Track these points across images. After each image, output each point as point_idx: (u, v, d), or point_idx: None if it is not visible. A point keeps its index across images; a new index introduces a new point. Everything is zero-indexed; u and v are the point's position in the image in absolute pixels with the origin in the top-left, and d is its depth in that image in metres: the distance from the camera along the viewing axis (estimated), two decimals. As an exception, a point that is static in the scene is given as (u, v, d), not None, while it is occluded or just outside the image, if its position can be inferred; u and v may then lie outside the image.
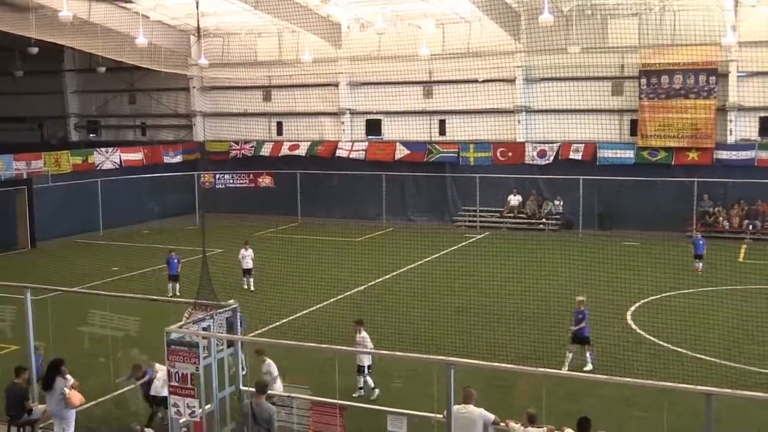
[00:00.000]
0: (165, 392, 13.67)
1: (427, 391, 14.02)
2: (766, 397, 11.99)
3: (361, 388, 16.80)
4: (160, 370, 14.41)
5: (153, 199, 43.10)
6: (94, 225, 39.44)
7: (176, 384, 12.80)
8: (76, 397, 13.68)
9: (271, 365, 15.21)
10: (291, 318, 22.59)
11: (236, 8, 38.50)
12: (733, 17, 34.84)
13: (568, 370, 17.58)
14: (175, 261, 26.62)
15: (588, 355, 18.41)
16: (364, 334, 17.01)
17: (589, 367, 18.14)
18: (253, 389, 12.83)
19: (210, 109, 48.21)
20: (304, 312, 23.45)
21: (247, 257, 27.06)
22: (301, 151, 44.89)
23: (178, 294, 25.65)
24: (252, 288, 26.51)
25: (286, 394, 13.10)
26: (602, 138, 38.85)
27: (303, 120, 45.47)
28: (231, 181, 44.86)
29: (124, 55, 40.62)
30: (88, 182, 39.71)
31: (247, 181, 44.82)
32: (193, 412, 12.72)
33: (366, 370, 16.77)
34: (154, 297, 19.77)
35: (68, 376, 13.82)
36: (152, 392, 14.97)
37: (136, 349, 17.02)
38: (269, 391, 13.26)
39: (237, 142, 46.45)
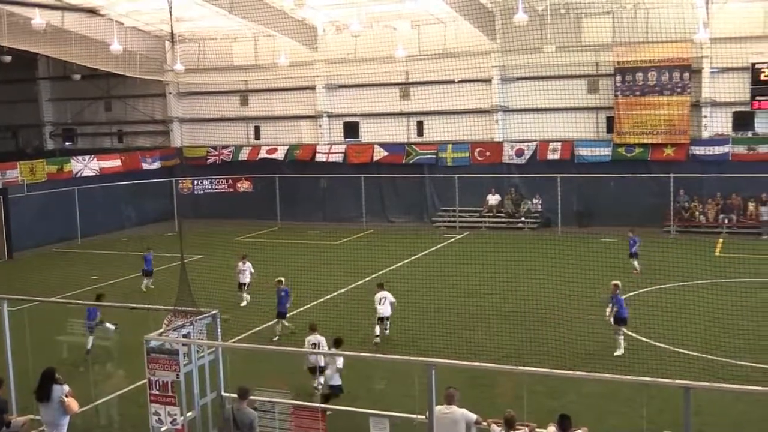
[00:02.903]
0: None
1: (408, 392, 14.05)
2: (744, 389, 12.14)
3: (317, 387, 16.79)
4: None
5: (131, 206, 42.92)
6: (72, 233, 39.17)
7: (157, 392, 12.75)
8: (74, 404, 13.56)
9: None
10: (272, 322, 22.53)
11: (211, 13, 38.40)
12: (705, 14, 35.14)
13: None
14: (150, 258, 28.08)
15: (622, 338, 19.26)
16: (318, 338, 16.94)
17: (621, 351, 19.03)
18: (235, 395, 12.80)
19: (187, 114, 48.07)
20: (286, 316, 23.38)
21: (246, 271, 25.77)
22: (280, 155, 44.83)
23: (151, 287, 27.20)
24: (243, 304, 25.29)
25: (267, 399, 13.05)
26: (579, 136, 39.15)
27: (280, 124, 45.41)
28: (209, 187, 44.75)
29: (99, 62, 40.42)
30: (65, 191, 39.43)
31: (226, 186, 44.73)
32: (175, 420, 12.68)
33: (318, 372, 16.57)
34: (134, 305, 19.66)
35: (64, 384, 13.70)
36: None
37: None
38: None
39: (215, 147, 46.32)
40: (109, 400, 16.35)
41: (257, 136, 46.63)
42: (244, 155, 45.64)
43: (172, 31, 39.93)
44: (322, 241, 36.57)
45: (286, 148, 44.81)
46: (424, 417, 11.73)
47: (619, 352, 19.15)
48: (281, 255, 30.83)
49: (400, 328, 21.36)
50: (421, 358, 12.22)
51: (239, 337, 20.51)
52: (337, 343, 16.00)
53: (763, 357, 17.69)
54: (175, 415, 12.68)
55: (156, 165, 45.60)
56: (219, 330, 14.11)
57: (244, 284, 25.72)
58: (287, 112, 45.17)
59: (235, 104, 46.73)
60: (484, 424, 11.69)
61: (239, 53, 45.34)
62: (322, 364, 16.24)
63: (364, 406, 13.67)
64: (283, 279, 22.35)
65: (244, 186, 44.58)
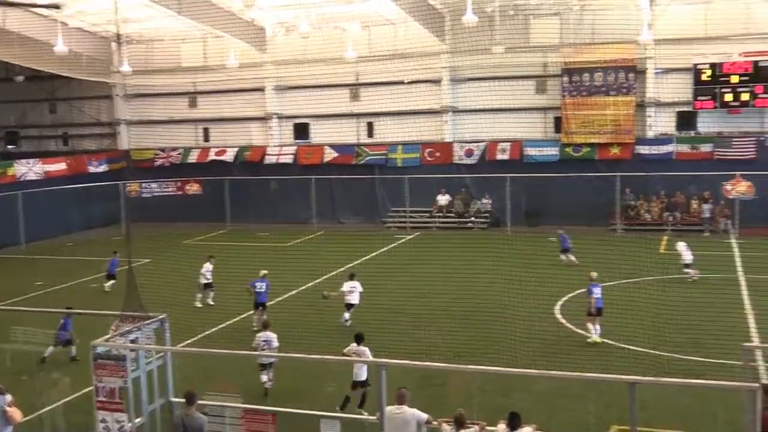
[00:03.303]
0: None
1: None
2: (687, 383, 12.39)
3: (265, 384, 17.10)
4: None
5: (78, 210, 42.18)
6: (16, 238, 38.37)
7: (104, 399, 12.57)
8: (17, 414, 13.29)
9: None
10: (222, 326, 22.36)
11: (159, 14, 37.98)
12: (649, 15, 35.85)
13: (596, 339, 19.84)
14: (115, 262, 28.16)
15: (598, 326, 20.06)
16: (270, 335, 17.36)
17: (594, 338, 19.94)
18: (183, 400, 12.67)
19: (134, 116, 47.47)
20: (236, 319, 23.25)
21: (207, 273, 26.01)
22: (229, 156, 44.54)
23: (107, 289, 27.35)
24: (199, 304, 25.49)
25: (218, 403, 12.93)
26: (527, 136, 39.61)
27: (230, 125, 45.11)
28: (158, 190, 44.24)
29: (43, 64, 39.63)
30: (9, 195, 38.59)
31: (175, 189, 44.27)
32: (122, 426, 12.52)
33: (268, 367, 17.08)
34: (80, 311, 19.36)
35: (6, 394, 13.42)
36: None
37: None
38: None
39: (163, 150, 45.84)
40: (54, 409, 16.03)
41: (206, 138, 46.24)
42: (193, 157, 45.23)
43: (118, 32, 39.42)
44: (273, 242, 36.37)
45: (236, 149, 44.54)
46: (375, 417, 11.76)
47: (593, 339, 20.05)
48: (231, 257, 30.57)
49: (350, 330, 21.32)
50: (372, 359, 12.24)
51: (189, 341, 20.28)
52: (358, 338, 15.99)
53: (706, 351, 18.05)
54: (123, 421, 12.52)
55: (103, 168, 44.91)
56: (168, 334, 13.96)
57: (208, 284, 25.94)
58: (237, 114, 44.89)
59: (183, 106, 46.30)
60: (435, 423, 11.75)
61: (188, 54, 44.92)
62: (271, 360, 16.79)
63: (315, 408, 13.62)
64: (266, 271, 23.03)
65: (193, 188, 44.14)
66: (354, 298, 22.65)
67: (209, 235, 39.59)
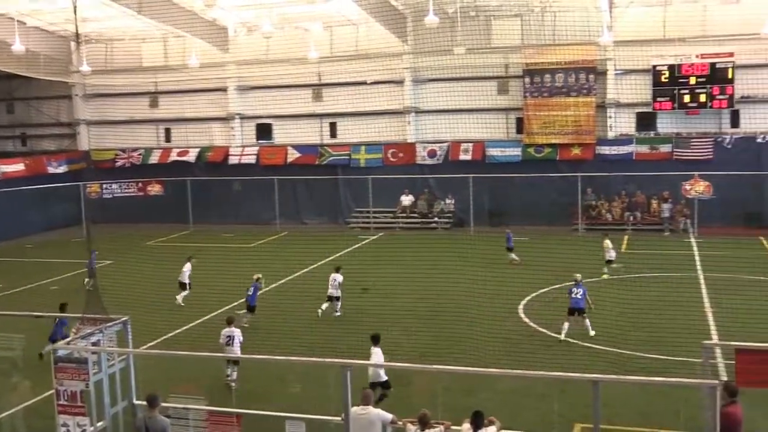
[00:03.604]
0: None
1: (324, 394, 14.03)
2: (648, 380, 12.53)
3: (228, 377, 17.21)
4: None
5: (36, 212, 41.53)
6: (-27, 241, 37.73)
7: (65, 402, 12.40)
8: None
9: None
10: (185, 328, 22.18)
11: (119, 13, 37.53)
12: (609, 17, 36.27)
13: (564, 338, 20.02)
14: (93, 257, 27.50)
15: (587, 322, 20.39)
16: (234, 330, 17.71)
17: (592, 333, 20.22)
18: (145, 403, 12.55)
19: (94, 116, 46.89)
20: (198, 321, 23.07)
21: (186, 273, 26.05)
22: (191, 157, 44.20)
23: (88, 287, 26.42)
24: (181, 302, 25.45)
25: (182, 405, 12.82)
26: (490, 136, 39.84)
27: (192, 126, 44.78)
28: (119, 191, 43.73)
29: (0, 63, 38.96)
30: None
31: (136, 190, 43.80)
32: (84, 430, 12.36)
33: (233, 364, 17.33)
34: (40, 314, 19.09)
35: None
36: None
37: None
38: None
39: (124, 150, 45.36)
40: (13, 413, 15.78)
41: (168, 139, 45.83)
42: (154, 158, 44.81)
43: (77, 31, 38.80)
44: (236, 243, 36.17)
45: (198, 150, 44.20)
46: (340, 418, 11.76)
47: (561, 337, 20.24)
48: (195, 258, 30.35)
49: (315, 330, 21.29)
50: (336, 360, 12.23)
51: (152, 343, 20.09)
52: (375, 339, 16.07)
53: (666, 349, 18.29)
54: (85, 425, 12.37)
55: (62, 169, 44.29)
56: (130, 337, 13.81)
57: (185, 284, 25.88)
58: (198, 114, 44.57)
59: (144, 106, 45.86)
60: (400, 423, 11.78)
61: (148, 54, 44.51)
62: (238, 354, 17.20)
63: (280, 410, 13.57)
64: (260, 275, 23.41)
65: (154, 189, 43.72)
66: (333, 291, 23.56)
67: (172, 236, 39.24)
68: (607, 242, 27.93)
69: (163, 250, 33.37)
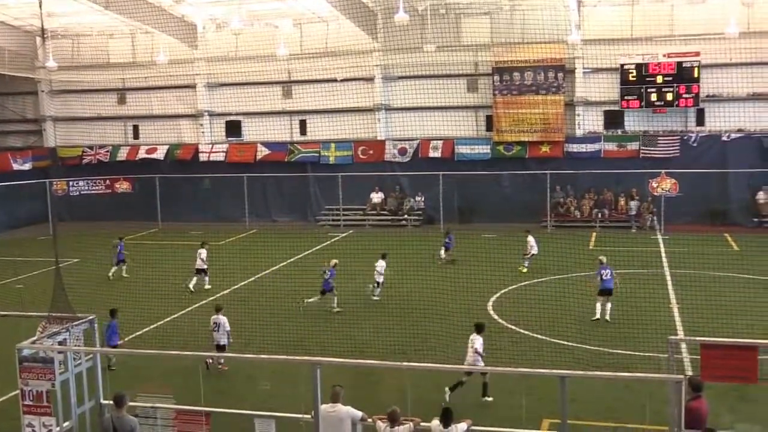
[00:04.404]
0: None
1: (294, 392, 14.01)
2: (615, 376, 12.65)
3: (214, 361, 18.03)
4: None
5: (1, 210, 40.99)
6: (-64, 239, 37.14)
7: (30, 403, 12.27)
8: None
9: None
10: (154, 326, 22.02)
11: (86, 8, 37.14)
12: (577, 16, 36.57)
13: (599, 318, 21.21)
14: (122, 247, 28.76)
15: (609, 305, 21.34)
16: (221, 318, 18.53)
17: (607, 317, 21.21)
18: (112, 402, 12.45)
19: (61, 113, 46.35)
20: (168, 319, 22.91)
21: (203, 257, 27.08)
22: (160, 154, 43.85)
23: (123, 275, 28.25)
24: (207, 286, 26.75)
25: (149, 405, 12.72)
26: (459, 134, 39.99)
27: (160, 123, 44.40)
28: (86, 188, 43.30)
29: (-37, 58, 38.48)
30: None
31: (104, 188, 43.40)
32: (51, 430, 12.23)
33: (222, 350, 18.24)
34: (4, 312, 18.85)
35: None
36: None
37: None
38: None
39: (91, 147, 44.88)
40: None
41: (136, 136, 45.43)
42: (122, 155, 44.38)
43: (42, 26, 38.31)
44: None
45: (167, 147, 43.86)
46: (309, 416, 11.74)
47: (596, 317, 21.32)
48: (162, 257, 30.16)
49: (283, 329, 21.22)
50: (306, 358, 12.22)
51: (120, 342, 19.88)
52: (478, 328, 16.26)
53: (632, 344, 18.50)
54: (51, 426, 12.24)
55: (28, 166, 43.70)
56: (96, 335, 13.69)
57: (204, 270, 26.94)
58: (167, 111, 44.20)
59: (112, 103, 45.43)
60: (370, 420, 11.78)
61: (116, 50, 44.06)
62: (222, 342, 18.14)
63: (250, 408, 13.53)
64: (336, 261, 24.35)
65: (122, 187, 43.34)
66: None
67: (140, 234, 38.90)
68: (530, 238, 28.59)
69: (131, 248, 32.99)
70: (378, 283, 24.72)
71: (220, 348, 18.14)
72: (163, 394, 13.11)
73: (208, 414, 12.68)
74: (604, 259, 22.33)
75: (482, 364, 15.78)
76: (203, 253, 27.00)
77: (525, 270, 27.78)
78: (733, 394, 14.43)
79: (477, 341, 15.96)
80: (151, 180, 42.40)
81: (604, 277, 21.62)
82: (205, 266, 26.94)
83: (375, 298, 24.53)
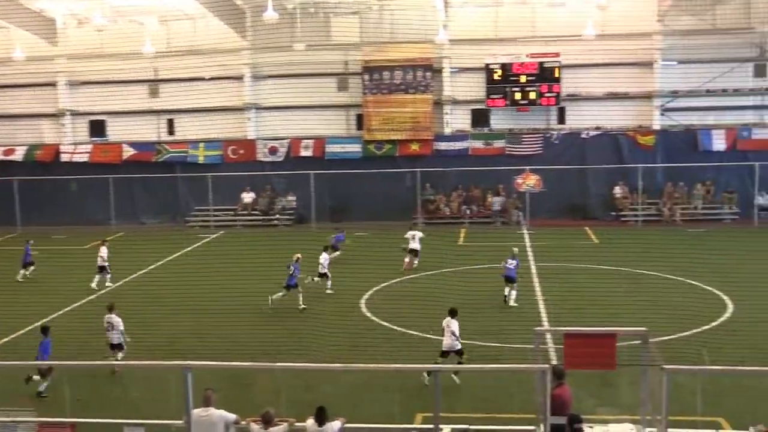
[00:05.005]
0: None
1: (165, 397, 13.70)
2: (484, 368, 12.99)
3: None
4: None
5: None
6: None
7: None
8: None
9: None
10: (14, 336, 21.02)
11: (-69, 1, 35.03)
12: (444, 16, 37.33)
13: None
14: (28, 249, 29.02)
15: (514, 293, 22.86)
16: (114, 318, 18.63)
17: (511, 302, 22.80)
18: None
19: None
20: (30, 328, 21.88)
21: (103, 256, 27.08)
22: (18, 155, 41.87)
23: (28, 275, 28.46)
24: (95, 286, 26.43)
25: (9, 419, 12.14)
26: (330, 133, 40.13)
27: (18, 123, 42.42)
28: (-64, 192, 40.77)
29: None
30: None
31: (-44, 192, 40.94)
32: None
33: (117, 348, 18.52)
34: None
35: None
36: None
37: None
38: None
39: (-60, 149, 42.31)
40: None
41: (-9, 136, 43.19)
42: (-24, 157, 42.07)
43: None
44: (69, 245, 34.65)
45: (26, 148, 41.91)
46: (182, 421, 11.53)
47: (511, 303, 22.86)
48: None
49: (154, 334, 20.70)
50: (175, 362, 11.99)
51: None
52: (452, 313, 17.25)
53: (502, 337, 19.04)
54: None
55: None
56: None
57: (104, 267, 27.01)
58: (25, 110, 42.27)
59: (-37, 101, 43.00)
60: (243, 423, 11.68)
61: (-33, 46, 41.70)
62: (115, 341, 18.30)
63: (118, 416, 13.15)
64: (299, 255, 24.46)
65: (-23, 190, 41.05)
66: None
67: (-3, 239, 37.04)
68: (410, 234, 29.07)
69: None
70: (324, 275, 24.98)
71: (114, 347, 18.31)
72: (24, 407, 12.57)
73: (73, 425, 12.23)
74: (515, 250, 24.31)
75: (459, 346, 16.84)
76: (104, 251, 26.99)
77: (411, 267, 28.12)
78: (595, 380, 15.09)
79: (453, 324, 16.98)
80: (8, 183, 40.33)
81: (507, 266, 23.06)
82: (106, 264, 26.91)
83: (328, 291, 24.82)
